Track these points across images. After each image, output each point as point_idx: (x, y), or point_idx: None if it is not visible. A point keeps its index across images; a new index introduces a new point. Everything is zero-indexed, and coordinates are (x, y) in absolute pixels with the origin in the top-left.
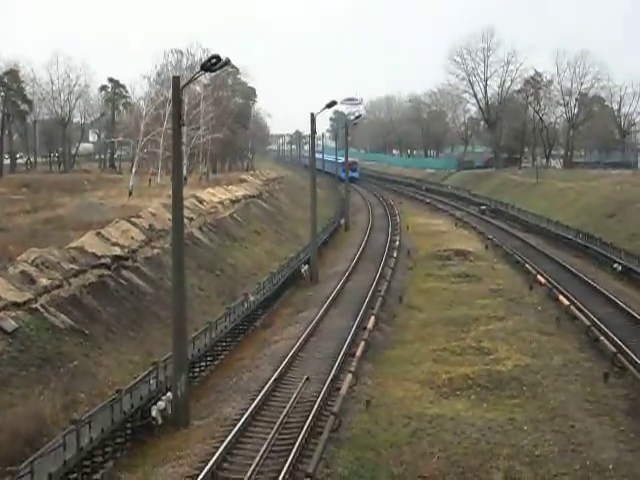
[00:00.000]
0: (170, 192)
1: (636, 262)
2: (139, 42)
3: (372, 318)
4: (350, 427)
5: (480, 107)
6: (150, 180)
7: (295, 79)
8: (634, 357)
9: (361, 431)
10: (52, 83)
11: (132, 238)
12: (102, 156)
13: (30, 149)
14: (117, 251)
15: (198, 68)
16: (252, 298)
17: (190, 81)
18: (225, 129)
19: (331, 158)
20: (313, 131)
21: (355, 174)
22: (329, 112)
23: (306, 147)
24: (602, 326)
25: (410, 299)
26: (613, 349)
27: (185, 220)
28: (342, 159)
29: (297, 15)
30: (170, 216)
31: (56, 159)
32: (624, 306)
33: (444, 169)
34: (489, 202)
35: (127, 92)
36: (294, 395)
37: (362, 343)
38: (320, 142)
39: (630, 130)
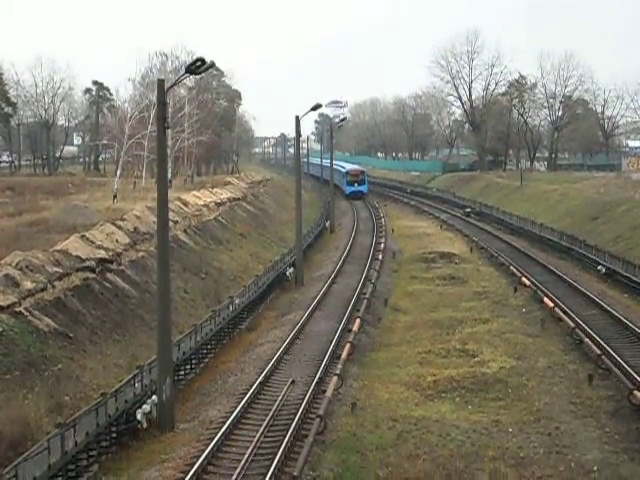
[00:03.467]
0: (155, 195)
1: (620, 264)
2: (124, 44)
3: (357, 321)
4: (336, 430)
5: (465, 110)
6: (135, 183)
7: (280, 81)
8: (618, 359)
9: (347, 434)
10: (36, 86)
11: (117, 241)
12: (86, 159)
13: (14, 152)
14: (102, 254)
15: (183, 71)
16: (237, 301)
17: (175, 84)
18: (210, 132)
19: (317, 161)
20: (298, 134)
21: (363, 187)
22: (314, 115)
23: (291, 150)
24: (586, 328)
25: (395, 302)
26: (597, 351)
27: (170, 223)
28: (343, 165)
29: (282, 17)
30: (155, 219)
31: (40, 162)
32: (608, 308)
33: (429, 172)
34: (474, 205)
35: (111, 95)
36: (280, 398)
37: (347, 346)
38: (305, 145)
39: (614, 132)
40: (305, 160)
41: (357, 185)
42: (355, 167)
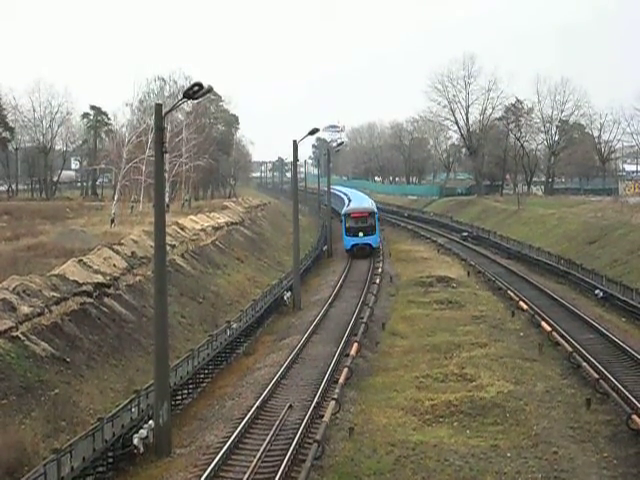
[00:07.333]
0: (152, 219)
1: (617, 288)
2: (122, 69)
3: (355, 345)
4: (333, 454)
5: (462, 134)
6: (132, 207)
7: (278, 106)
8: (616, 383)
9: (344, 459)
10: (34, 110)
11: (114, 265)
12: (84, 183)
13: (11, 176)
14: (99, 278)
15: (180, 96)
16: (234, 325)
17: (172, 108)
18: (207, 156)
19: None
20: (295, 158)
21: (371, 239)
22: (311, 139)
23: (289, 174)
24: (584, 352)
25: (393, 326)
26: (595, 375)
27: (167, 247)
28: (346, 193)
29: (280, 42)
30: (152, 243)
31: (38, 186)
32: (606, 332)
33: (426, 196)
34: (471, 229)
35: (109, 119)
36: (277, 423)
37: (345, 370)
38: (302, 169)
39: (610, 157)
40: (302, 185)
41: (362, 235)
42: (360, 205)
